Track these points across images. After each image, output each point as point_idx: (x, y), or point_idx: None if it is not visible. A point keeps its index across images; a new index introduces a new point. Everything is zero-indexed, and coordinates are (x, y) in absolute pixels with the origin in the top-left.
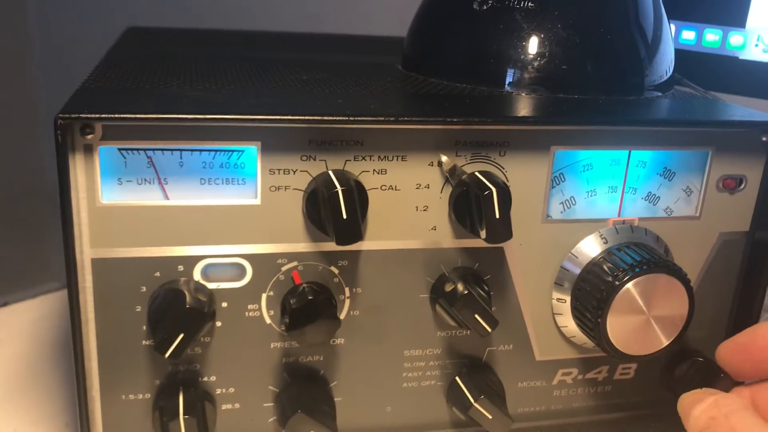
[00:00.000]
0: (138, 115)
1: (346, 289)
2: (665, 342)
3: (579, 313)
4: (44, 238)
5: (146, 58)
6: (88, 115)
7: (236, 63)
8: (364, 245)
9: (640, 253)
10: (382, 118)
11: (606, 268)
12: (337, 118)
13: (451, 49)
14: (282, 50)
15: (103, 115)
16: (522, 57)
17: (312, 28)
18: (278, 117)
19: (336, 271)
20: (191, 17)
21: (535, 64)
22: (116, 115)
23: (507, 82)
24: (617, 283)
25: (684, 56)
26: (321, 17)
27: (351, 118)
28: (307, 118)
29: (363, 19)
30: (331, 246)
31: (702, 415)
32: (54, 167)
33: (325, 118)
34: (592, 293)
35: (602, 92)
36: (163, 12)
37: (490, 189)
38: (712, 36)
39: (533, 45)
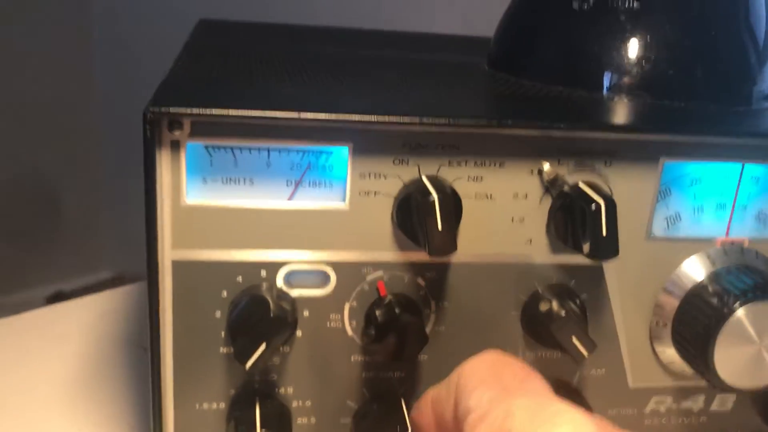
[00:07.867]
0: (231, 112)
1: (432, 303)
2: None
3: (682, 339)
4: (97, 226)
5: (225, 52)
6: (178, 110)
7: (313, 59)
8: (453, 257)
9: (752, 277)
10: (485, 122)
11: (714, 292)
12: (437, 122)
13: (547, 50)
14: (356, 47)
15: (193, 111)
16: (625, 60)
17: (369, 25)
18: (376, 119)
19: (423, 283)
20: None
21: (640, 67)
22: (208, 112)
23: (607, 86)
24: (726, 310)
25: None
26: (379, 14)
27: (451, 121)
28: (406, 120)
29: (426, 17)
30: (419, 256)
31: None
32: (98, 153)
33: (425, 120)
34: (698, 319)
35: (710, 100)
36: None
37: (597, 203)
38: None
39: (638, 47)
